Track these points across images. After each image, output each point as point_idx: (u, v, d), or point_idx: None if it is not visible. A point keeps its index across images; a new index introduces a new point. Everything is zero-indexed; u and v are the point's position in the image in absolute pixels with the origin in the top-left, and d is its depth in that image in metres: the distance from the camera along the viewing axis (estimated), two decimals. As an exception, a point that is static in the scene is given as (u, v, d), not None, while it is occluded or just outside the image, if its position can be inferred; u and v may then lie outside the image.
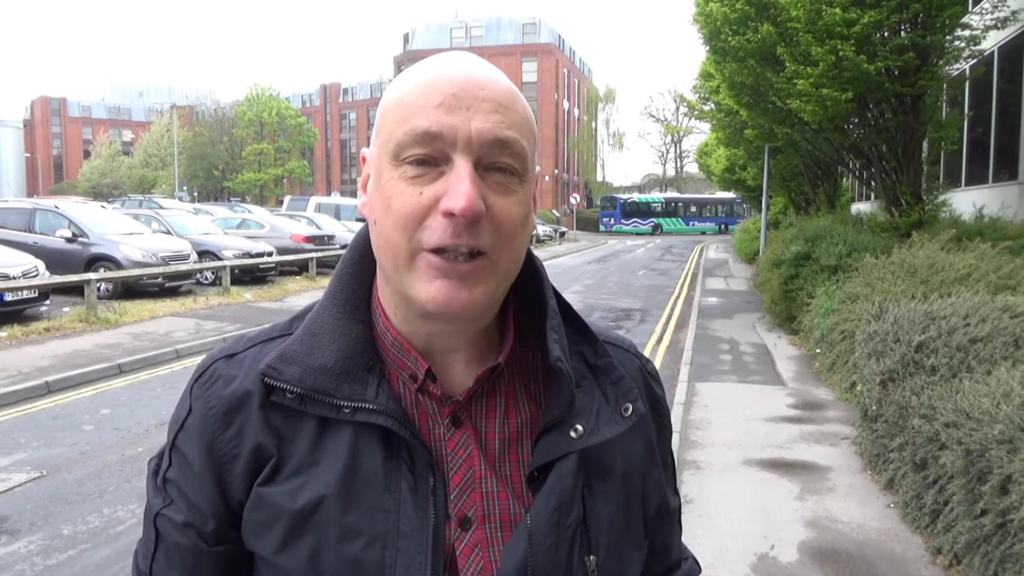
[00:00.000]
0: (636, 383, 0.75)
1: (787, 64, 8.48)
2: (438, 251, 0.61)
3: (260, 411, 0.66)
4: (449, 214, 0.59)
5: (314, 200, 24.06)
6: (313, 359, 0.65)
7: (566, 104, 59.40)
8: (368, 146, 0.69)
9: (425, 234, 0.60)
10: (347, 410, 0.64)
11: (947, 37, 8.27)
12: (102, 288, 10.76)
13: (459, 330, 0.67)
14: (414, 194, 0.61)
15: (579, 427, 0.68)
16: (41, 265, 9.78)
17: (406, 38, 59.14)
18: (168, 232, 14.26)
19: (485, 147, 0.61)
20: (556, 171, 55.70)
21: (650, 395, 0.79)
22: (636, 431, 0.72)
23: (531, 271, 0.72)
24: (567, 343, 0.71)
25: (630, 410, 0.71)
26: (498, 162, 0.62)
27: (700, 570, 0.89)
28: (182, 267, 12.05)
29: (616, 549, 0.70)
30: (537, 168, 0.71)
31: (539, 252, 25.00)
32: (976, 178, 11.52)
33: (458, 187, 0.59)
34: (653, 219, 45.91)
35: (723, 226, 45.74)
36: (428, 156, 0.61)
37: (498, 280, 0.64)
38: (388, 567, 0.62)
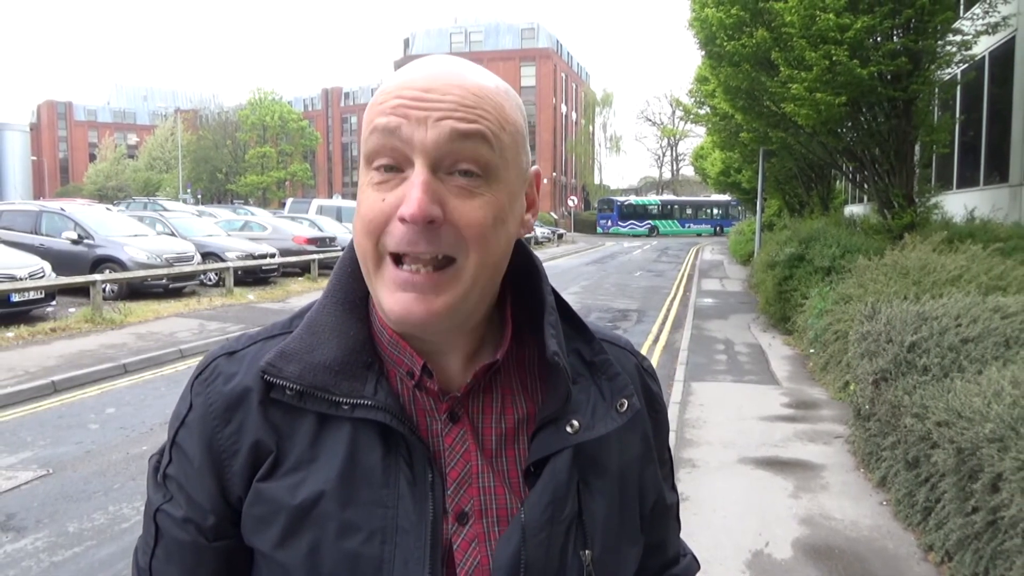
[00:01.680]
0: (632, 380, 0.76)
1: (781, 69, 8.52)
2: (398, 260, 0.62)
3: (260, 408, 0.67)
4: (403, 220, 0.60)
5: (316, 202, 24.04)
6: (312, 357, 0.66)
7: (564, 108, 59.41)
8: None
9: (388, 239, 0.62)
10: (346, 407, 0.65)
11: (939, 42, 8.31)
12: (107, 289, 10.83)
13: (445, 334, 0.67)
14: (377, 200, 0.62)
15: (575, 422, 0.68)
16: (47, 266, 9.83)
17: (406, 43, 59.17)
18: (172, 234, 14.31)
19: (441, 151, 0.61)
20: (554, 174, 55.66)
21: (646, 392, 0.79)
22: (632, 427, 0.73)
23: (528, 268, 0.73)
24: (564, 340, 0.71)
25: (625, 406, 0.71)
26: (459, 166, 0.62)
27: (699, 567, 0.89)
28: (186, 268, 12.10)
29: (612, 544, 0.70)
30: (534, 167, 0.71)
31: (537, 253, 24.91)
32: (967, 181, 11.60)
33: (411, 193, 0.60)
34: (650, 221, 45.78)
35: (718, 228, 45.60)
36: (394, 163, 0.62)
37: (467, 286, 0.63)
38: (387, 561, 0.63)
